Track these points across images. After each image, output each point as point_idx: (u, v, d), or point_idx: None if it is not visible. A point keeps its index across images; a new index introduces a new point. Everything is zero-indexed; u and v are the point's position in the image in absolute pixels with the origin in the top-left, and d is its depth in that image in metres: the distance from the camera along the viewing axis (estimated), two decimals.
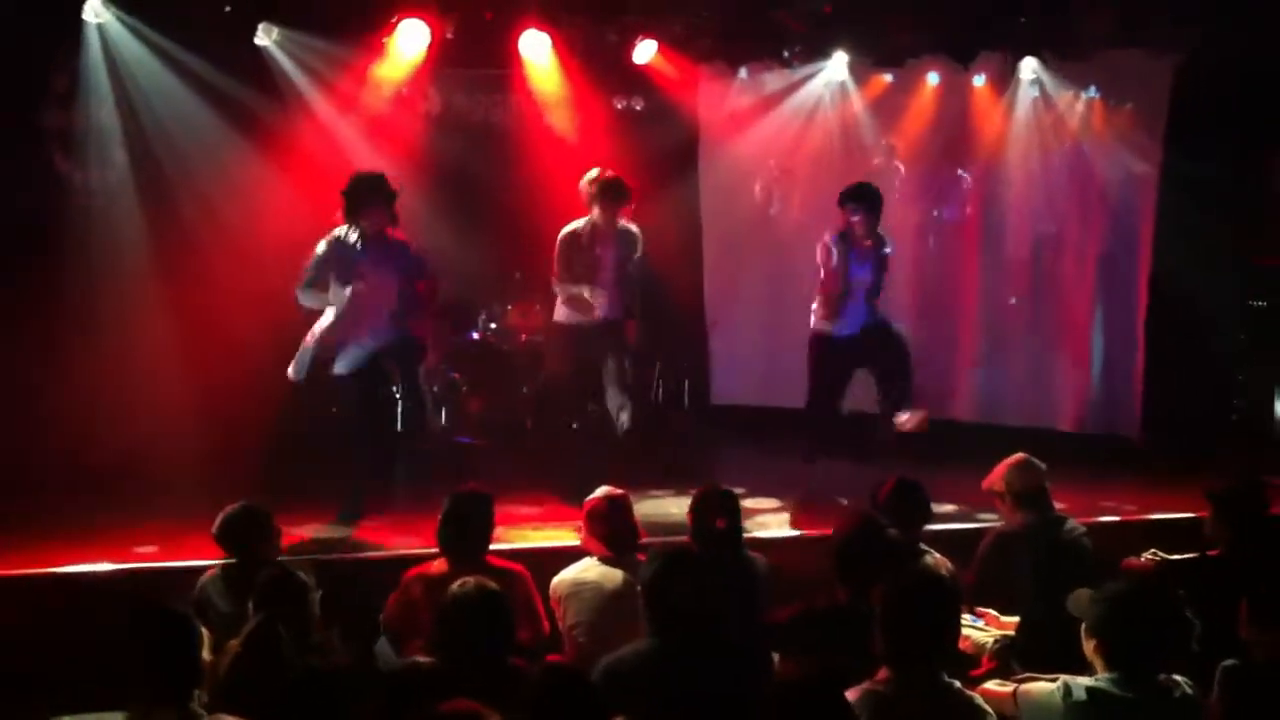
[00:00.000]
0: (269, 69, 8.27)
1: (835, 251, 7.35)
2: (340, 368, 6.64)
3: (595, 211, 7.24)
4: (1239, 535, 4.95)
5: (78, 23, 7.73)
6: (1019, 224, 9.47)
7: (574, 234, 7.29)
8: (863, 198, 7.38)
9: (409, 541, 6.20)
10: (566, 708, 3.16)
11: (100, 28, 7.82)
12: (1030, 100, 9.34)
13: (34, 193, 7.74)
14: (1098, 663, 3.68)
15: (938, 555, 5.08)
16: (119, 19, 7.81)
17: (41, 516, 6.45)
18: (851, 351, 7.45)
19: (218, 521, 4.89)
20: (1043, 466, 5.31)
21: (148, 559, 5.86)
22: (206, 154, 8.06)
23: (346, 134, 8.51)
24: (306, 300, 6.65)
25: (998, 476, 5.30)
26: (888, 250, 7.63)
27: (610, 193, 7.19)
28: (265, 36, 8.13)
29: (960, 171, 9.68)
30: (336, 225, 6.59)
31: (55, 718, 4.75)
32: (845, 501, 6.84)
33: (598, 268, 7.28)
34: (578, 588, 4.87)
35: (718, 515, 5.02)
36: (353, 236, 6.56)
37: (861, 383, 7.64)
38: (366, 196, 6.50)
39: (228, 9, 7.97)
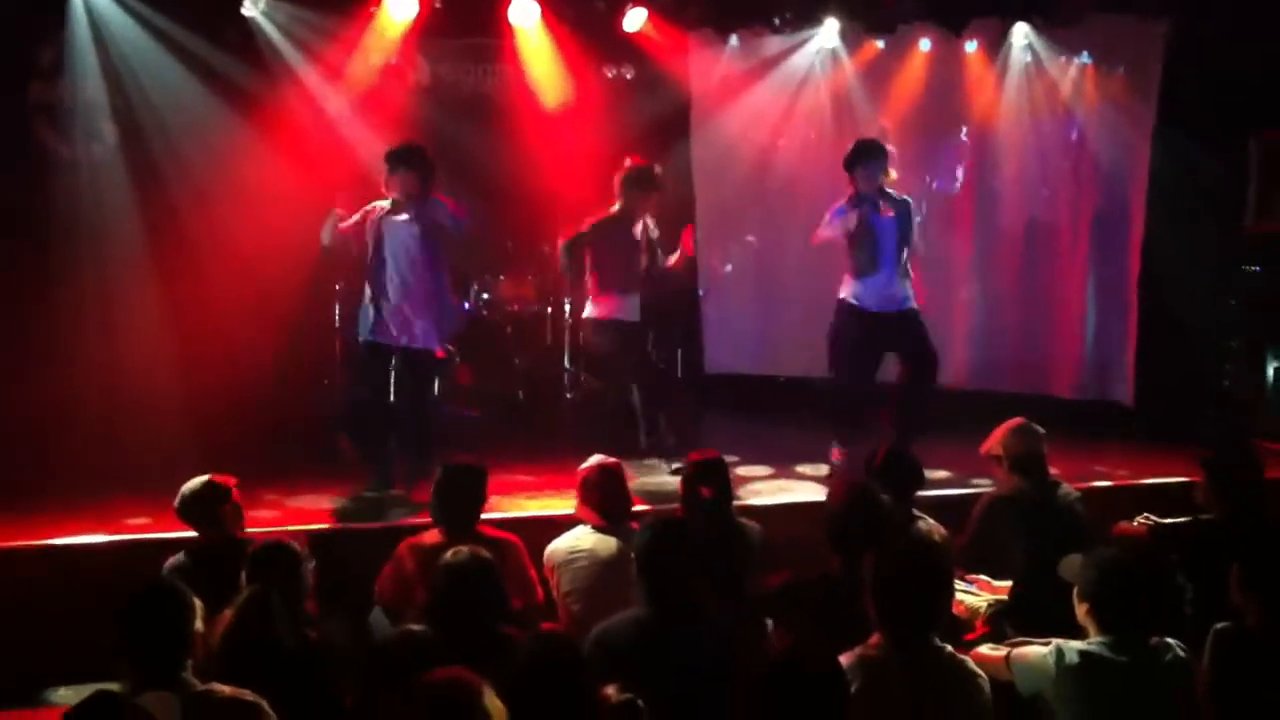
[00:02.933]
0: (256, 40, 8.19)
1: (856, 214, 7.04)
2: (362, 332, 6.62)
3: (632, 211, 7.15)
4: (1232, 500, 4.96)
5: None
6: (1012, 191, 9.41)
7: (615, 222, 7.15)
8: (859, 156, 7.16)
9: (403, 512, 6.22)
10: (558, 676, 3.17)
11: (86, 0, 7.74)
12: (1022, 67, 9.26)
13: (20, 167, 7.68)
14: (1090, 627, 3.70)
15: (931, 521, 5.09)
16: None
17: (33, 489, 6.43)
18: (883, 331, 7.12)
19: (179, 496, 4.87)
20: (1040, 431, 5.32)
21: (140, 530, 5.85)
22: (194, 127, 8.01)
23: (334, 105, 8.45)
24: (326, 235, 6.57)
25: (995, 440, 5.33)
26: (908, 204, 7.34)
27: (640, 184, 7.10)
28: (252, 7, 8.05)
29: (953, 139, 9.63)
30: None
31: (51, 689, 4.79)
32: None
33: (633, 269, 7.19)
34: (571, 557, 4.88)
35: (704, 484, 5.03)
36: (385, 203, 6.57)
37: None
38: (392, 163, 6.52)
39: None
